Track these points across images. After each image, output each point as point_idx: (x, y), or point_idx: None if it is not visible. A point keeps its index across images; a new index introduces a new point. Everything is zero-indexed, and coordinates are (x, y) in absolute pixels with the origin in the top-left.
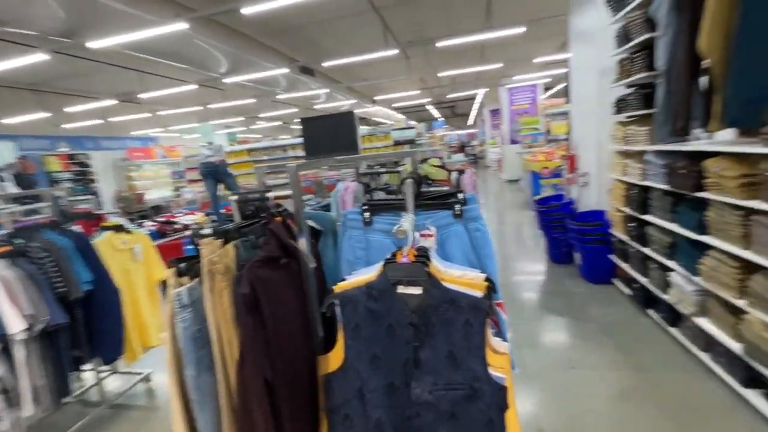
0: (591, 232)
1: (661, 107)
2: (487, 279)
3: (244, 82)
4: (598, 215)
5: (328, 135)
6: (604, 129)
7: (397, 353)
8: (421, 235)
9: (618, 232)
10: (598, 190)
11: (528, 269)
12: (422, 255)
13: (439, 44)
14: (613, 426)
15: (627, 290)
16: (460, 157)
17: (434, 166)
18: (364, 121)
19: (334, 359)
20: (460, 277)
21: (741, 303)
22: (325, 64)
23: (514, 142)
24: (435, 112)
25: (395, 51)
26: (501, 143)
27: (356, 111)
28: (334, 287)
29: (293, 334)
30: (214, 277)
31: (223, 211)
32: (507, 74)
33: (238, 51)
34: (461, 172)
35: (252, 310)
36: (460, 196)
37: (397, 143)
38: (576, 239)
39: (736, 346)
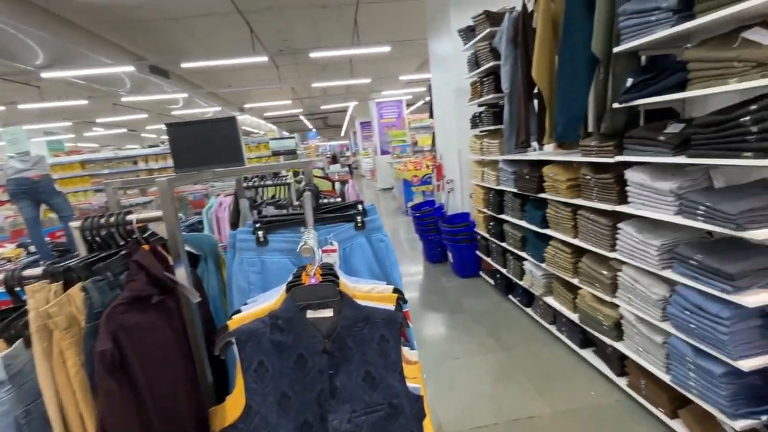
0: (459, 232)
1: (506, 123)
2: (396, 290)
3: (71, 78)
4: (464, 217)
5: (205, 144)
6: (464, 141)
7: (310, 386)
8: (324, 251)
9: (481, 231)
10: (462, 194)
11: (408, 270)
12: (329, 273)
13: (312, 55)
14: (496, 404)
15: (491, 281)
16: (337, 167)
17: (317, 176)
18: None
19: (232, 408)
20: (369, 292)
21: (575, 281)
22: (184, 66)
23: (385, 152)
24: (308, 123)
25: (264, 58)
26: (373, 154)
27: None
28: (228, 322)
29: (175, 388)
30: (51, 335)
31: (46, 239)
32: (375, 89)
33: (61, 41)
34: (344, 182)
35: (115, 370)
36: (361, 207)
37: (276, 153)
38: (447, 240)
39: (574, 316)
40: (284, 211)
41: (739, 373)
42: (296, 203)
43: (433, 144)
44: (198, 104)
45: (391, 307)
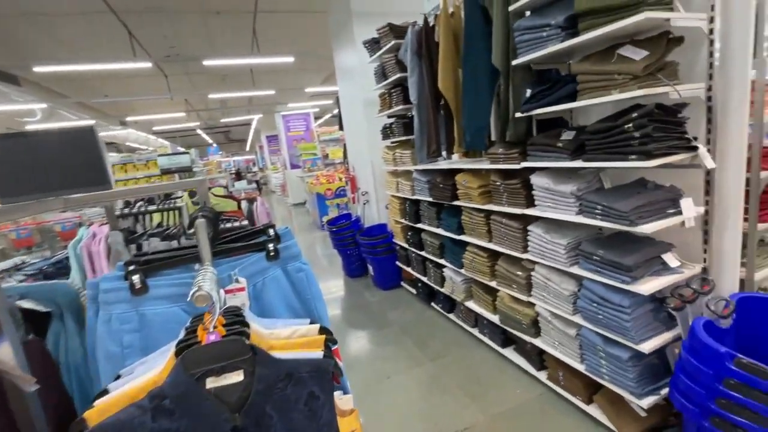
0: (378, 244)
1: (417, 134)
2: (323, 329)
3: None
4: (382, 228)
5: (51, 163)
6: (376, 152)
7: None
8: (227, 292)
9: (400, 241)
10: (378, 206)
11: (328, 288)
12: (236, 321)
13: (206, 63)
14: (431, 420)
15: (413, 290)
16: (244, 184)
17: (219, 196)
18: (113, 146)
19: None
20: (290, 337)
21: (493, 284)
22: (37, 70)
23: (295, 166)
24: (207, 138)
25: (146, 65)
26: (282, 168)
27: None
28: (86, 413)
29: None
30: None
31: None
32: (281, 101)
33: None
34: (252, 200)
35: None
36: (272, 231)
37: (167, 172)
38: (367, 252)
39: (494, 318)
40: (174, 244)
41: (641, 356)
42: (192, 231)
43: (345, 156)
44: (64, 116)
45: (319, 353)
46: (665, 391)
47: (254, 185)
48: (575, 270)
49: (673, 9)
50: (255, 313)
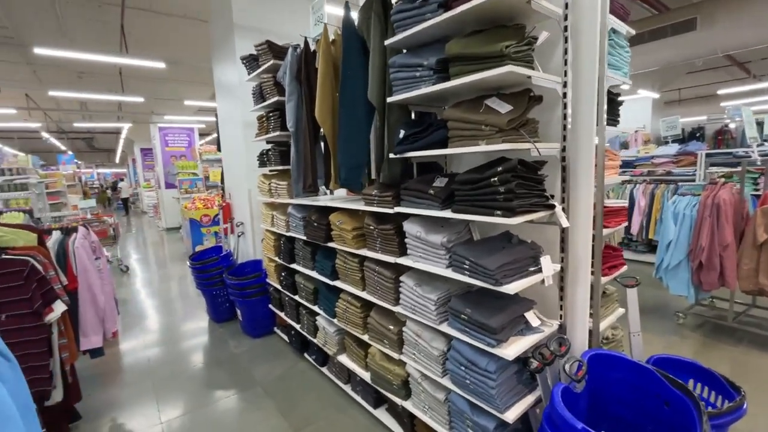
0: (248, 285)
1: (294, 165)
2: None
3: None
4: (256, 266)
5: None
6: (253, 180)
7: None
8: None
9: (273, 282)
10: (254, 239)
11: (189, 335)
12: None
13: (38, 51)
14: None
15: (286, 337)
16: (92, 203)
17: (8, 225)
18: None
19: None
20: None
21: (365, 337)
22: None
23: (170, 186)
24: (58, 143)
25: None
26: (156, 187)
27: None
28: None
29: None
30: None
31: None
32: (157, 111)
33: None
34: (68, 231)
35: None
36: None
37: None
38: (234, 295)
39: (366, 375)
40: None
41: (506, 425)
42: None
43: (222, 180)
44: None
45: None
46: None
47: (118, 204)
48: (444, 328)
49: (534, 68)
50: None
